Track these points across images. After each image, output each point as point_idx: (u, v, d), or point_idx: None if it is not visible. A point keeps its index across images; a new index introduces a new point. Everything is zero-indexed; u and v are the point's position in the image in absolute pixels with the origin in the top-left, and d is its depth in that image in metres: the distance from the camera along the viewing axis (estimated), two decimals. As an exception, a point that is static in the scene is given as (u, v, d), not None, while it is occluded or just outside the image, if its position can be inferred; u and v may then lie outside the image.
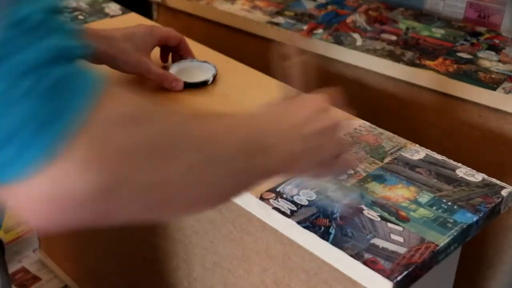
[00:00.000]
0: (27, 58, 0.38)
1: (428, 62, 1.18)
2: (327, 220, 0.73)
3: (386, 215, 0.74)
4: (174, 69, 1.01)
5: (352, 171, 0.81)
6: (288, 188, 0.78)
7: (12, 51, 0.38)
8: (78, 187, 0.39)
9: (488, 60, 1.19)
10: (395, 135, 0.90)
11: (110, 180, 0.40)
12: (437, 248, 0.69)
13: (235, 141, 0.52)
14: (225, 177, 0.51)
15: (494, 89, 1.09)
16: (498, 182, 0.80)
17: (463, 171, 0.82)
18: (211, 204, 0.56)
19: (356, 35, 1.30)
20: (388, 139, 0.89)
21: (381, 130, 0.91)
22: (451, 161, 0.84)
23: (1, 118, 0.37)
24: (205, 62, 1.04)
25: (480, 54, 1.21)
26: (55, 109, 0.38)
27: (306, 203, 0.76)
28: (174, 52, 1.05)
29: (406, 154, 0.85)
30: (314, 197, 0.77)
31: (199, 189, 0.49)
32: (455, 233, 0.71)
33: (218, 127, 0.52)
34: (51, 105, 0.38)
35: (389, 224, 0.72)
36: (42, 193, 0.39)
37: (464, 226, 0.72)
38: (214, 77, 1.01)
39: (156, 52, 1.05)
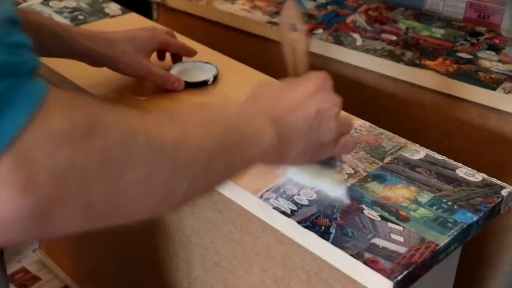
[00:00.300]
0: None
1: (428, 62, 1.18)
2: (327, 219, 0.73)
3: (386, 214, 0.74)
4: (175, 69, 1.02)
5: (353, 171, 0.81)
6: (288, 188, 0.78)
7: None
8: (6, 211, 0.37)
9: (488, 60, 1.19)
10: (395, 135, 0.90)
11: (44, 202, 0.38)
12: (437, 247, 0.69)
13: (211, 136, 0.50)
14: (192, 180, 0.48)
15: (494, 89, 1.09)
16: (498, 182, 0.80)
17: (463, 171, 0.82)
18: (175, 207, 0.54)
19: (356, 35, 1.30)
20: (388, 139, 0.89)
21: (381, 130, 0.91)
22: (451, 161, 0.84)
23: None
24: (207, 62, 1.04)
25: (480, 54, 1.21)
26: None
27: (306, 202, 0.76)
28: (175, 53, 1.05)
29: (406, 154, 0.85)
30: (314, 196, 0.77)
31: (157, 196, 0.46)
32: (455, 233, 0.71)
33: (192, 126, 0.50)
34: None
35: (390, 224, 0.72)
36: None
37: (464, 226, 0.72)
38: (215, 77, 1.01)
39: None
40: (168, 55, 1.05)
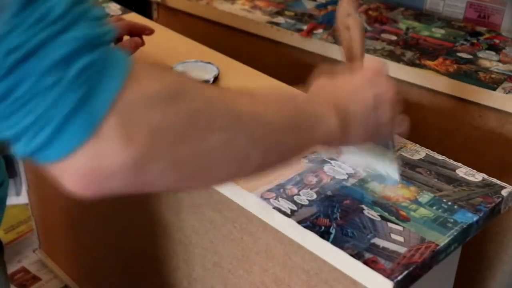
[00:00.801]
0: (50, 53, 0.41)
1: (428, 62, 1.18)
2: (327, 219, 0.73)
3: (386, 214, 0.74)
4: (177, 69, 1.02)
5: (353, 171, 0.81)
6: (289, 188, 0.78)
7: (37, 48, 0.41)
8: (111, 163, 0.43)
9: (488, 60, 1.19)
10: (396, 135, 0.90)
11: (142, 156, 0.44)
12: (437, 247, 0.69)
13: (283, 114, 0.54)
14: (265, 152, 0.53)
15: (494, 89, 1.09)
16: (498, 182, 0.80)
17: (463, 171, 0.82)
18: (250, 175, 0.57)
19: (356, 35, 1.30)
20: (388, 139, 0.89)
21: (381, 130, 0.91)
22: (451, 161, 0.84)
23: (33, 110, 0.41)
24: (209, 62, 1.04)
25: (480, 54, 1.21)
26: (82, 96, 0.41)
27: (307, 203, 0.76)
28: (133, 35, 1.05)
29: (406, 154, 0.85)
30: (314, 196, 0.77)
31: (235, 163, 0.51)
32: (455, 233, 0.71)
33: (264, 102, 0.54)
34: (78, 93, 0.41)
35: (390, 224, 0.72)
36: (80, 169, 0.44)
37: (464, 226, 0.72)
38: (216, 77, 1.01)
39: (161, 54, 1.04)
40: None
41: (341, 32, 0.76)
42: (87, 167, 0.44)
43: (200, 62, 1.04)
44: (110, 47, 0.44)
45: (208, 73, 1.01)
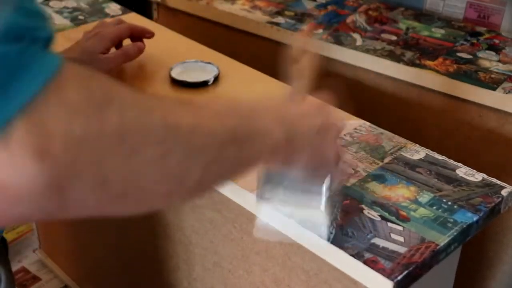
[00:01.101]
0: None
1: (428, 62, 1.18)
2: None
3: (386, 214, 0.74)
4: (177, 70, 1.02)
5: (352, 171, 0.81)
6: (288, 188, 0.78)
7: None
8: (20, 180, 0.35)
9: (488, 60, 1.19)
10: (395, 135, 0.90)
11: (59, 172, 0.36)
12: (437, 247, 0.69)
13: (225, 125, 0.50)
14: (205, 167, 0.47)
15: (494, 89, 1.09)
16: (498, 182, 0.80)
17: (463, 171, 0.82)
18: (187, 196, 0.52)
19: (356, 35, 1.30)
20: (388, 139, 0.89)
21: (381, 130, 0.91)
22: (451, 161, 0.84)
23: None
24: (209, 63, 1.04)
25: (480, 54, 1.21)
26: None
27: (306, 203, 0.76)
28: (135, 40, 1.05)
29: (406, 154, 0.85)
30: (314, 197, 0.77)
31: (173, 179, 0.45)
32: (455, 233, 0.71)
33: (206, 113, 0.49)
34: None
35: (390, 224, 0.73)
36: None
37: (464, 226, 0.72)
38: (216, 77, 1.01)
39: (161, 54, 1.05)
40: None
41: (292, 65, 0.72)
42: None
43: (200, 62, 1.04)
44: (37, 45, 0.38)
45: (208, 73, 1.01)
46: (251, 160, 0.54)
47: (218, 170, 0.50)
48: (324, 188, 0.66)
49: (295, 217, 0.70)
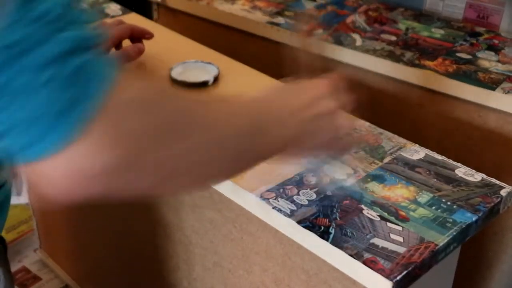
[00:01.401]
0: (47, 51, 0.42)
1: (427, 62, 1.18)
2: (327, 219, 0.73)
3: (385, 214, 0.74)
4: (177, 70, 1.02)
5: (352, 171, 0.81)
6: (288, 188, 0.78)
7: (34, 45, 0.42)
8: (94, 165, 0.44)
9: (488, 60, 1.19)
10: (395, 135, 0.90)
11: (123, 159, 0.45)
12: (437, 247, 0.69)
13: (238, 125, 0.57)
14: (229, 156, 0.56)
15: (494, 89, 1.09)
16: (497, 182, 0.81)
17: (462, 171, 0.83)
18: (214, 180, 0.62)
19: (356, 35, 1.30)
20: (388, 139, 0.89)
21: (381, 130, 0.91)
22: (451, 161, 0.85)
23: (25, 106, 0.42)
24: (209, 63, 1.04)
25: (480, 54, 1.21)
26: (74, 95, 0.43)
27: (306, 203, 0.76)
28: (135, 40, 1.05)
29: (406, 154, 0.86)
30: (314, 196, 0.77)
31: (204, 166, 0.54)
32: (455, 233, 0.71)
33: (221, 111, 0.56)
34: (70, 92, 0.42)
35: (389, 224, 0.73)
36: (63, 170, 0.44)
37: (464, 226, 0.73)
38: (216, 78, 1.01)
39: (161, 54, 1.05)
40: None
41: (299, 49, 0.77)
42: (73, 167, 0.44)
43: (200, 62, 1.04)
44: (100, 50, 0.46)
45: (208, 73, 1.01)
46: (269, 150, 0.61)
47: (245, 157, 0.59)
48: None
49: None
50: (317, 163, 0.77)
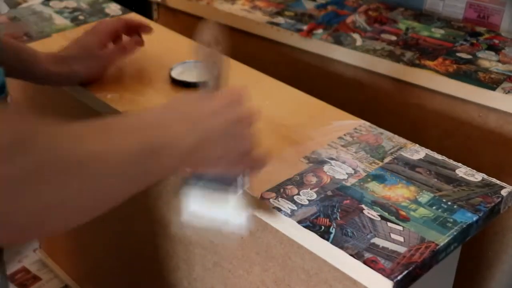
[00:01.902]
0: None
1: (428, 62, 1.18)
2: (327, 219, 0.73)
3: (386, 214, 0.74)
4: (177, 69, 1.02)
5: (352, 171, 0.81)
6: (289, 188, 0.78)
7: None
8: None
9: (488, 60, 1.19)
10: (395, 135, 0.90)
11: None
12: (437, 247, 0.69)
13: (125, 150, 0.52)
14: (116, 187, 0.51)
15: (494, 89, 1.09)
16: (498, 182, 0.81)
17: (463, 171, 0.82)
18: (101, 211, 0.55)
19: (356, 35, 1.30)
20: (388, 139, 0.89)
21: (381, 130, 0.91)
22: (451, 161, 0.84)
23: None
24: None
25: (480, 54, 1.21)
26: None
27: (307, 202, 0.76)
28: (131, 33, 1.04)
29: (406, 154, 0.86)
30: (314, 196, 0.77)
31: (86, 203, 0.50)
32: (455, 233, 0.71)
33: (106, 137, 0.51)
34: None
35: (389, 224, 0.73)
36: None
37: (464, 226, 0.72)
38: (216, 78, 1.00)
39: (161, 54, 1.04)
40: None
41: (203, 61, 0.74)
42: None
43: (200, 62, 1.04)
44: None
45: (209, 73, 1.01)
46: (163, 169, 0.56)
47: (130, 186, 0.53)
48: (240, 180, 0.67)
49: (213, 215, 0.69)
50: (228, 179, 0.67)
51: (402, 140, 0.89)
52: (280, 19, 1.38)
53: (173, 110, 0.61)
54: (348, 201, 0.76)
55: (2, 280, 0.83)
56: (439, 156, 0.85)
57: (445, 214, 0.74)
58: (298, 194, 0.77)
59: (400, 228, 0.72)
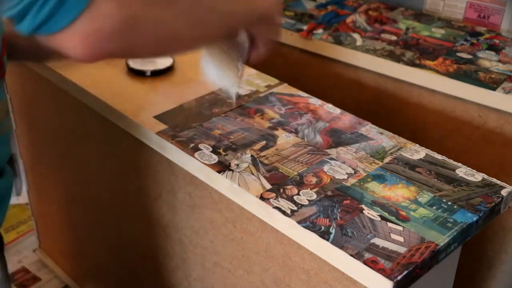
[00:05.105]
0: None
1: (428, 62, 1.18)
2: (327, 219, 0.73)
3: (386, 214, 0.74)
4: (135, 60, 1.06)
5: (352, 171, 0.81)
6: (289, 188, 0.78)
7: None
8: (109, 23, 0.55)
9: (488, 60, 1.19)
10: (395, 135, 0.90)
11: (133, 17, 0.56)
12: (437, 247, 0.69)
13: None
14: (221, 19, 0.69)
15: (494, 89, 1.09)
16: (498, 182, 0.80)
17: (463, 171, 0.82)
18: (206, 41, 0.74)
19: (356, 35, 1.30)
20: (388, 139, 0.89)
21: (381, 130, 0.91)
22: (451, 161, 0.84)
23: None
24: None
25: (480, 54, 1.21)
26: None
27: (307, 203, 0.76)
28: None
29: (406, 154, 0.85)
30: (314, 196, 0.77)
31: (197, 27, 0.66)
32: (455, 233, 0.71)
33: None
34: None
35: (389, 224, 0.73)
36: (83, 32, 0.55)
37: (464, 226, 0.72)
38: (171, 67, 1.06)
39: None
40: None
41: None
42: (89, 29, 0.55)
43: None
44: None
45: (163, 63, 1.05)
46: (247, 17, 0.73)
47: (229, 22, 0.71)
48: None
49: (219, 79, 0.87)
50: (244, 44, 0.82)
51: (402, 140, 0.89)
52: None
53: None
54: (348, 201, 0.76)
55: (4, 278, 0.83)
56: (439, 156, 0.85)
57: (445, 214, 0.74)
58: (298, 194, 0.77)
59: (400, 228, 0.72)
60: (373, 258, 0.68)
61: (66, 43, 0.56)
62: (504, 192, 0.78)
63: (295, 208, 0.75)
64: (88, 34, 0.55)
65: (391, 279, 0.65)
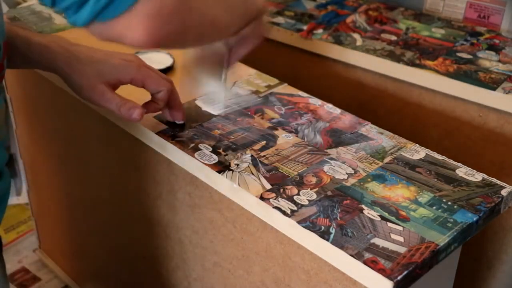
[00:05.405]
0: None
1: (428, 62, 1.18)
2: (327, 219, 0.73)
3: (386, 214, 0.74)
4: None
5: (352, 171, 0.81)
6: (289, 188, 0.78)
7: None
8: (167, 1, 0.57)
9: (488, 60, 1.19)
10: (395, 135, 0.90)
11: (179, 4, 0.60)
12: (437, 247, 0.69)
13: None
14: (238, 14, 0.74)
15: (494, 89, 1.09)
16: (498, 182, 0.80)
17: (463, 171, 0.82)
18: (231, 30, 0.76)
19: (356, 35, 1.30)
20: (388, 139, 0.89)
21: (381, 130, 0.91)
22: (451, 161, 0.84)
23: None
24: (159, 51, 1.08)
25: (480, 54, 1.21)
26: None
27: (307, 203, 0.76)
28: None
29: (406, 154, 0.85)
30: (314, 196, 0.77)
31: (226, 19, 0.71)
32: (455, 233, 0.71)
33: None
34: None
35: (389, 224, 0.73)
36: (145, 14, 0.56)
37: (464, 226, 0.72)
38: (170, 67, 1.06)
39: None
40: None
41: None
42: (150, 10, 0.56)
43: (151, 53, 1.05)
44: None
45: (163, 62, 1.05)
46: (248, 13, 0.77)
47: (240, 18, 0.76)
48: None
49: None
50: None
51: (402, 140, 0.89)
52: (280, 19, 1.38)
53: None
54: (348, 201, 0.76)
55: (2, 280, 0.83)
56: (439, 156, 0.85)
57: (445, 214, 0.74)
58: (298, 194, 0.77)
59: (400, 228, 0.72)
60: (373, 258, 0.68)
61: (127, 27, 0.56)
62: (504, 192, 0.78)
63: (295, 208, 0.75)
64: (150, 15, 0.56)
65: (391, 279, 0.65)
